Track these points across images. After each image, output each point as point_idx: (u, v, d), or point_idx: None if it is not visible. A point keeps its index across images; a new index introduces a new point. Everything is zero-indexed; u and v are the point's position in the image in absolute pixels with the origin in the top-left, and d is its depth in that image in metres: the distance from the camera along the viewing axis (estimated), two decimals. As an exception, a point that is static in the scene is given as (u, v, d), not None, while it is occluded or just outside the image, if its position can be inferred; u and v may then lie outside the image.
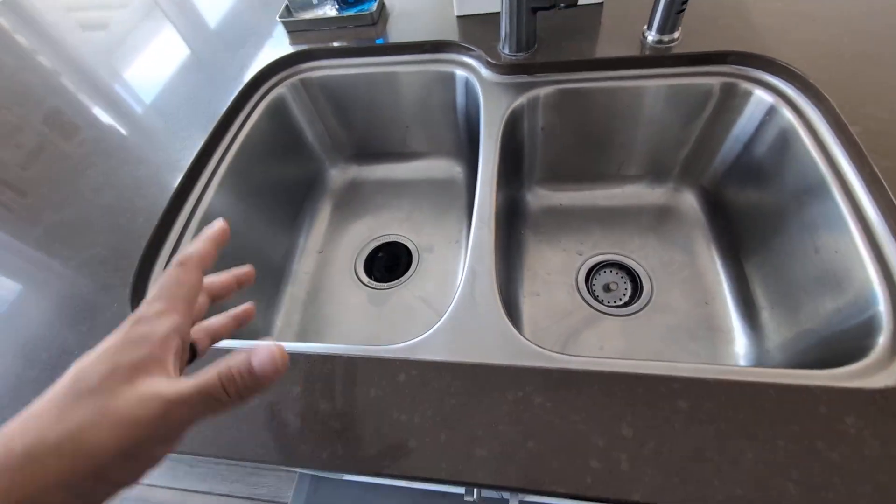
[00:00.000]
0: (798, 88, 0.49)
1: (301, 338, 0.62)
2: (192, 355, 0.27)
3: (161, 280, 0.23)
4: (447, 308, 0.39)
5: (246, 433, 0.33)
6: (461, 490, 0.94)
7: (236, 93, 0.61)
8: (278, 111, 0.65)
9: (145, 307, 0.22)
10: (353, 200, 0.78)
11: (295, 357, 0.36)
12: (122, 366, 0.19)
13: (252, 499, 1.12)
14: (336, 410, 0.33)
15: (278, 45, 0.67)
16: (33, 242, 0.49)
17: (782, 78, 0.50)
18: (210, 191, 0.54)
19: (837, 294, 0.40)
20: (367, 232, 0.74)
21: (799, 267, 0.47)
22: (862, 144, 0.41)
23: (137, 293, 0.44)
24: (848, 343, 0.37)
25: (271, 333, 0.61)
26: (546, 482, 0.29)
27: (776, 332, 0.49)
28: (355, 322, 0.64)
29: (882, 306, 0.35)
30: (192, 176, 0.53)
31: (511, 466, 0.29)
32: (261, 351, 0.22)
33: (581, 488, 0.28)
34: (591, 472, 0.29)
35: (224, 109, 0.59)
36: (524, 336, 0.37)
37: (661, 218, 0.66)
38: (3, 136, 0.63)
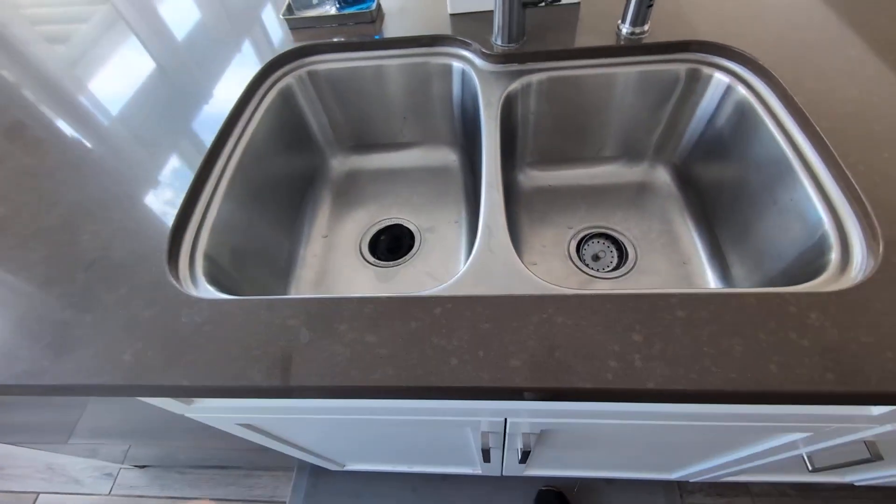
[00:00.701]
0: (750, 70, 0.57)
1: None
2: None
3: None
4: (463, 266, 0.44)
5: (300, 365, 0.36)
6: (465, 470, 0.97)
7: (245, 85, 0.64)
8: (287, 101, 0.69)
9: None
10: (352, 189, 0.82)
11: (337, 301, 0.40)
12: None
13: (249, 501, 1.10)
14: (381, 341, 0.37)
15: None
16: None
17: (737, 62, 0.59)
18: (224, 181, 0.56)
19: (794, 230, 0.48)
20: (369, 217, 0.78)
21: (761, 220, 0.54)
22: (806, 111, 0.49)
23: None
24: (806, 266, 0.45)
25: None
26: (574, 380, 0.33)
27: (746, 279, 0.56)
28: (365, 298, 0.68)
29: (827, 226, 0.42)
30: (206, 167, 0.55)
31: (542, 372, 0.34)
32: None
33: (604, 383, 0.33)
34: (611, 370, 0.34)
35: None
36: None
37: (639, 193, 0.74)
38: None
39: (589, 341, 0.35)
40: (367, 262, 0.72)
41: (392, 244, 0.76)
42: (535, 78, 0.63)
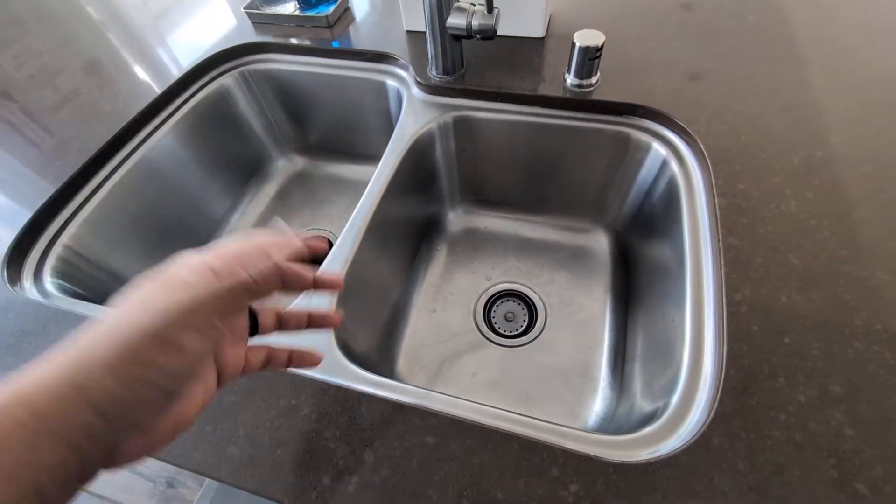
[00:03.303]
0: (690, 148, 0.48)
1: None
2: (253, 326, 0.26)
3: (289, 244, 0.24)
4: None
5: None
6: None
7: (185, 71, 0.65)
8: (223, 96, 0.69)
9: (271, 243, 0.22)
10: (297, 191, 0.81)
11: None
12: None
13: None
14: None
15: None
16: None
17: (679, 135, 0.50)
18: (152, 140, 0.60)
19: (664, 363, 0.40)
20: (299, 224, 0.77)
21: (654, 328, 0.46)
22: (719, 218, 0.41)
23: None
24: (655, 409, 0.37)
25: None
26: (276, 490, 0.30)
27: (631, 387, 0.49)
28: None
29: (676, 396, 0.34)
30: (135, 126, 0.58)
31: (252, 469, 0.31)
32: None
33: (304, 503, 0.29)
34: (319, 489, 0.30)
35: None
36: (343, 350, 0.38)
37: (574, 256, 0.66)
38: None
39: (318, 446, 0.32)
40: (278, 270, 0.71)
41: (310, 258, 0.74)
42: (458, 115, 0.58)
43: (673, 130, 0.50)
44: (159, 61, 0.69)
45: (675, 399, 0.34)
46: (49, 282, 0.46)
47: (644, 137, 0.52)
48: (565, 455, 0.30)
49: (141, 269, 0.59)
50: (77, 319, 0.40)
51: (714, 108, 0.50)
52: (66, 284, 0.48)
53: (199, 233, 0.70)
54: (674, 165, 0.49)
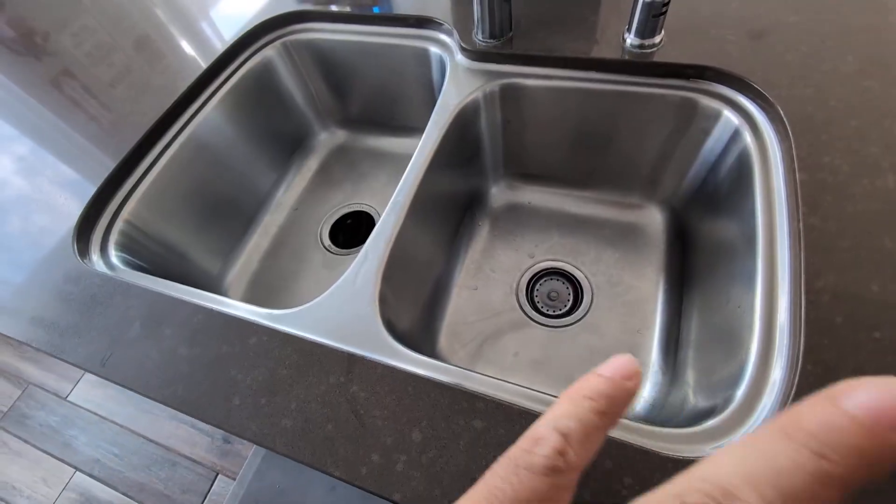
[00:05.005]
0: (767, 116, 0.43)
1: (250, 288, 0.67)
2: None
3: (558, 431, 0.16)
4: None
5: (119, 358, 0.38)
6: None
7: (230, 44, 0.65)
8: (267, 68, 0.68)
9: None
10: (337, 165, 0.81)
11: (174, 302, 0.40)
12: None
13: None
14: (191, 357, 0.37)
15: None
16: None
17: (755, 100, 0.44)
18: (200, 115, 0.60)
19: (727, 352, 0.37)
20: (342, 197, 0.77)
21: (713, 313, 0.43)
22: (799, 195, 0.37)
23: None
24: (714, 404, 0.35)
25: (226, 278, 0.67)
26: (328, 463, 0.31)
27: (684, 375, 0.46)
28: (305, 283, 0.68)
29: (742, 389, 0.32)
30: (184, 102, 0.59)
31: (305, 442, 0.32)
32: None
33: (354, 477, 0.30)
34: (368, 465, 0.30)
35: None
36: (388, 328, 0.38)
37: (624, 234, 0.63)
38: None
39: (367, 423, 0.32)
40: (322, 244, 0.72)
41: (354, 231, 0.75)
42: (506, 83, 0.55)
43: (748, 96, 0.45)
44: (205, 35, 0.69)
45: (739, 393, 0.32)
46: (114, 255, 0.49)
47: (713, 104, 0.47)
48: (620, 447, 0.29)
49: (195, 244, 0.61)
50: (140, 292, 0.42)
51: (798, 68, 0.44)
52: (128, 257, 0.50)
53: (247, 209, 0.71)
54: (747, 136, 0.44)
